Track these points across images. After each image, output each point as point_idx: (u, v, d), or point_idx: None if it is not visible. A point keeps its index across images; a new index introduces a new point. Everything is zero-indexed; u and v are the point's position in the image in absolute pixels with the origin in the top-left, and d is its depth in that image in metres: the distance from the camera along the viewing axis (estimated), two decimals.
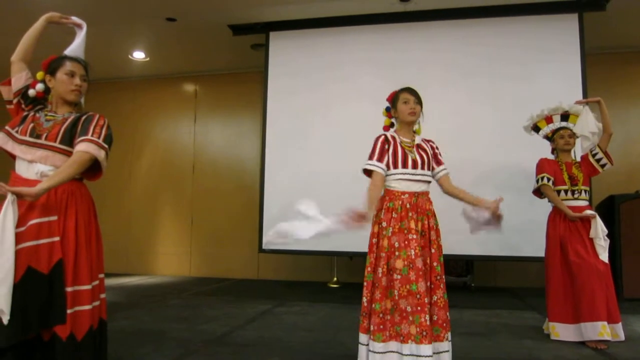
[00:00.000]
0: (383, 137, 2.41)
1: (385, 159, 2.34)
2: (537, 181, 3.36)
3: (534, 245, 4.57)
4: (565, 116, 3.42)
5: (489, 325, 3.59)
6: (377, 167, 2.33)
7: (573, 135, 3.37)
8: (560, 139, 3.39)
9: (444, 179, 2.43)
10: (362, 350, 2.25)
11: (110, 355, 2.27)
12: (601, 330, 2.90)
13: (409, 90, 2.42)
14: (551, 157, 3.49)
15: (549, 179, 3.30)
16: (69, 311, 1.83)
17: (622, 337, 3.05)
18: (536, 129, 3.56)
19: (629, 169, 5.60)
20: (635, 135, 5.79)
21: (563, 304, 3.14)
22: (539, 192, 3.44)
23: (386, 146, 2.36)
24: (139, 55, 6.43)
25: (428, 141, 2.48)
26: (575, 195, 3.28)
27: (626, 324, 3.26)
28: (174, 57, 6.54)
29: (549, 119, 3.48)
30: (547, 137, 3.54)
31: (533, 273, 5.63)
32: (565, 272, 3.19)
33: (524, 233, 4.67)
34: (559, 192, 3.31)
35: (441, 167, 2.44)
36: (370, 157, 2.36)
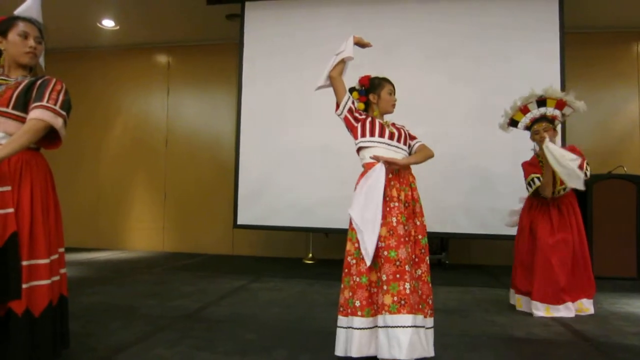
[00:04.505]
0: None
1: (354, 100, 2.34)
2: (530, 184, 3.32)
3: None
4: (541, 102, 3.30)
5: (463, 301, 3.62)
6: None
7: (549, 128, 3.24)
8: (535, 135, 3.30)
9: (419, 148, 2.38)
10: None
11: (78, 331, 2.20)
12: (546, 310, 3.17)
13: (392, 83, 2.42)
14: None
15: (539, 179, 3.27)
16: (24, 286, 1.72)
17: (592, 311, 3.20)
18: (514, 123, 3.43)
19: (603, 150, 5.66)
20: (610, 117, 5.85)
21: (525, 278, 3.32)
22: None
23: (362, 115, 2.33)
24: (108, 23, 6.16)
25: (401, 125, 2.43)
26: (557, 195, 3.33)
27: (595, 302, 3.33)
28: (145, 27, 6.27)
29: (524, 109, 3.35)
30: (527, 128, 3.41)
31: (505, 251, 5.70)
32: (530, 249, 3.36)
33: (498, 212, 4.71)
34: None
35: (416, 141, 2.40)
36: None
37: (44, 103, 1.80)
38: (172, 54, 6.87)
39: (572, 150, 3.24)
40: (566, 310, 3.17)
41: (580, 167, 3.08)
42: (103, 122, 6.92)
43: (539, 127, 3.25)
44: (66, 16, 5.65)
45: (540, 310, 3.17)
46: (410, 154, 2.36)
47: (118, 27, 6.26)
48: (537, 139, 3.28)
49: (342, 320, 2.14)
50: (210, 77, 6.72)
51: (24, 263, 1.75)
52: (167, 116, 6.82)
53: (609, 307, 3.45)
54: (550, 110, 3.30)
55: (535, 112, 3.31)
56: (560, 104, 3.28)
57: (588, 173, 3.18)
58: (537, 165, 3.34)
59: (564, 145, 4.41)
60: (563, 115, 3.35)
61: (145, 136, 6.85)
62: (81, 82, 6.52)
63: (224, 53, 6.50)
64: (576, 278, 3.24)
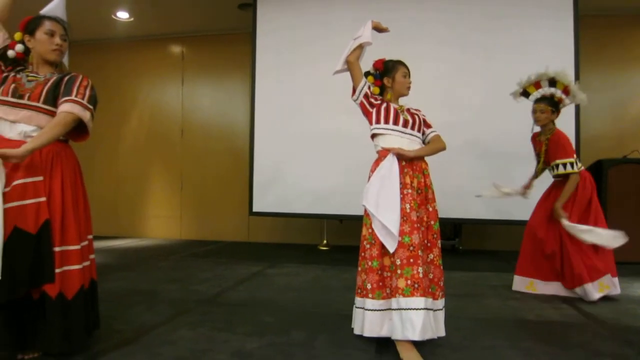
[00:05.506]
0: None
1: (370, 85, 2.36)
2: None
3: (520, 209, 4.63)
4: (553, 82, 3.40)
5: (476, 286, 3.68)
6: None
7: (545, 111, 3.34)
8: (532, 113, 3.43)
9: (433, 139, 2.41)
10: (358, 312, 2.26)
11: (103, 315, 2.30)
12: (527, 285, 3.44)
13: (406, 65, 2.42)
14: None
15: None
16: (57, 270, 1.83)
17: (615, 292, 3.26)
18: (526, 94, 3.56)
19: (618, 134, 5.63)
20: (626, 100, 5.78)
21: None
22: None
23: (377, 100, 2.35)
24: (122, 15, 6.24)
25: (417, 110, 2.46)
26: (553, 172, 3.44)
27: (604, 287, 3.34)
28: (159, 18, 6.34)
29: (537, 84, 3.47)
30: None
31: (519, 237, 5.70)
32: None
33: (512, 198, 4.73)
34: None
35: (430, 130, 2.43)
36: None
37: (73, 97, 1.90)
38: (186, 45, 6.94)
39: (557, 141, 3.30)
40: (549, 288, 3.34)
41: (549, 163, 3.38)
42: (119, 114, 7.04)
43: (537, 107, 3.38)
44: (81, 8, 5.73)
45: (522, 285, 3.41)
46: (424, 142, 2.39)
47: (132, 19, 6.34)
48: (534, 118, 3.42)
49: (358, 301, 2.26)
50: (224, 67, 6.79)
51: (57, 249, 1.85)
52: (182, 106, 6.91)
53: (622, 291, 3.46)
54: (558, 93, 3.38)
55: (547, 89, 3.43)
56: (566, 90, 3.36)
57: (567, 167, 3.26)
58: (534, 140, 3.55)
59: (577, 129, 4.42)
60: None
61: (161, 127, 6.96)
62: (97, 74, 6.61)
63: (238, 43, 6.54)
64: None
